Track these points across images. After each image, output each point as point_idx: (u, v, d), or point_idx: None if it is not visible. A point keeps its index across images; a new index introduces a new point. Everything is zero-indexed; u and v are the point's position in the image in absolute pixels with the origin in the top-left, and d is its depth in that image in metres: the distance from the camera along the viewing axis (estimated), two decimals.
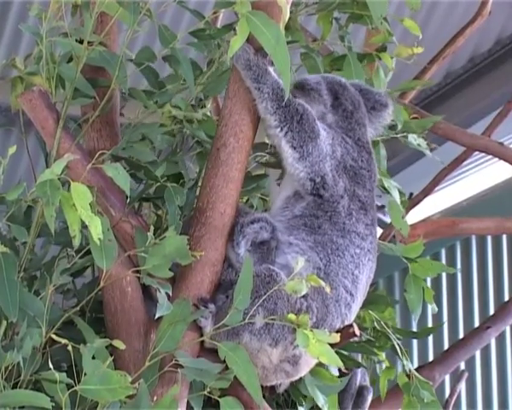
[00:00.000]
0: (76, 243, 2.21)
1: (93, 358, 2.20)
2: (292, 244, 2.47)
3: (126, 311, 2.47)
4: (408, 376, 2.82)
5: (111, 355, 2.43)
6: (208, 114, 2.86)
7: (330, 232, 2.48)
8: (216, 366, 2.32)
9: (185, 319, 2.34)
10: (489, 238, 6.18)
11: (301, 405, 2.72)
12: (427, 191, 3.62)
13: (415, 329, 4.75)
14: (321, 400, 2.60)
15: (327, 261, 2.46)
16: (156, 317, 2.33)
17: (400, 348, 2.83)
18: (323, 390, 2.62)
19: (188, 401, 2.43)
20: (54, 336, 2.25)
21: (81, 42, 2.42)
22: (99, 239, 2.21)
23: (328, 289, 2.34)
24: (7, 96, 2.59)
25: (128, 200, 2.46)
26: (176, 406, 2.27)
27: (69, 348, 2.20)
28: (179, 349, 2.35)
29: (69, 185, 2.23)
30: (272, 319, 2.35)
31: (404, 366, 2.82)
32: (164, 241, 2.34)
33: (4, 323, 2.33)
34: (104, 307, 2.52)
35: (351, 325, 2.47)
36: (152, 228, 2.37)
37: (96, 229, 2.19)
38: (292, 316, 2.30)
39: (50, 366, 2.19)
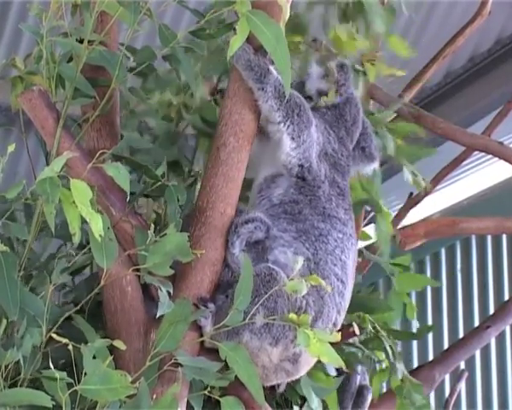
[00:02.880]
0: (76, 240, 2.21)
1: (94, 357, 2.20)
2: (276, 237, 2.47)
3: (126, 310, 2.47)
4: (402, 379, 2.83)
5: (111, 355, 2.44)
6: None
7: (311, 217, 2.50)
8: (215, 364, 2.32)
9: (186, 319, 2.34)
10: (489, 238, 6.18)
11: (297, 404, 2.72)
12: (427, 191, 3.62)
13: (415, 327, 4.75)
14: (315, 402, 2.61)
15: (314, 250, 2.47)
16: (158, 315, 2.33)
17: (393, 351, 2.84)
18: (318, 392, 2.63)
19: (188, 401, 2.44)
20: (54, 336, 2.25)
21: (81, 41, 2.42)
22: (100, 236, 2.21)
23: (329, 289, 2.35)
24: (7, 95, 2.59)
25: (128, 199, 2.46)
26: (176, 404, 2.27)
27: (69, 347, 2.20)
28: (179, 349, 2.35)
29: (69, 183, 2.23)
30: (273, 319, 2.35)
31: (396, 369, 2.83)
32: (164, 238, 2.34)
33: (4, 321, 2.33)
34: (104, 307, 2.52)
35: (351, 325, 2.48)
36: (152, 226, 2.37)
37: (97, 226, 2.19)
38: (293, 316, 2.30)
39: (51, 365, 2.18)
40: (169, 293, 2.35)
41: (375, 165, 2.74)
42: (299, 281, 2.29)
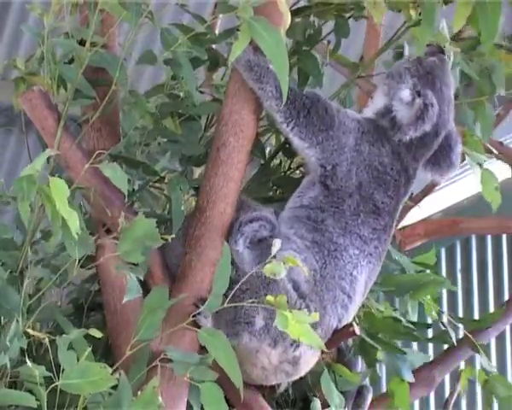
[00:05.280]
0: (57, 239, 2.22)
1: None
2: (290, 240, 2.46)
3: (126, 311, 2.47)
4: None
5: (111, 354, 2.44)
6: None
7: (332, 230, 2.47)
8: (206, 358, 2.32)
9: (163, 306, 2.33)
10: (489, 238, 6.18)
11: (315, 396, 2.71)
12: (427, 191, 3.62)
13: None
14: (336, 399, 2.60)
15: (322, 264, 2.45)
16: (124, 301, 2.32)
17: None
18: (341, 386, 2.64)
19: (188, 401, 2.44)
20: (30, 331, 2.26)
21: (80, 42, 2.42)
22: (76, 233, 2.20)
23: (306, 272, 2.32)
24: (7, 96, 2.59)
25: (126, 198, 2.47)
26: (157, 397, 2.24)
27: (46, 341, 2.20)
28: (178, 349, 2.35)
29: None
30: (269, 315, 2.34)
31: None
32: (133, 225, 2.33)
33: None
34: (104, 307, 2.53)
35: (351, 324, 2.48)
36: (123, 214, 2.36)
37: (74, 224, 2.19)
38: (270, 298, 2.24)
39: (28, 361, 2.19)
40: (140, 281, 2.35)
41: (442, 178, 2.64)
42: (276, 263, 2.26)
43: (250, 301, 2.33)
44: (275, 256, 2.25)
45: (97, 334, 2.23)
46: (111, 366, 2.18)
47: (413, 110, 2.51)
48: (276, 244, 2.26)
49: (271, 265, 2.25)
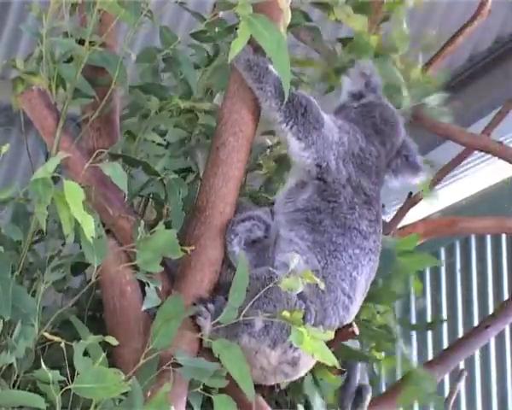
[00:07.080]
0: (69, 240, 2.21)
1: (88, 355, 2.20)
2: (292, 242, 2.47)
3: (125, 310, 2.47)
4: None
5: (111, 354, 2.43)
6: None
7: (331, 230, 2.48)
8: (214, 364, 2.32)
9: (178, 316, 2.33)
10: (489, 238, 6.18)
11: (301, 403, 2.71)
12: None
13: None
14: (317, 403, 2.60)
15: (324, 264, 2.46)
16: (143, 309, 2.34)
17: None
18: (322, 388, 2.63)
19: (188, 401, 2.44)
20: (46, 335, 2.25)
21: (80, 42, 2.42)
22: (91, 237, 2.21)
23: (322, 286, 2.33)
24: (7, 95, 2.59)
25: (126, 198, 2.46)
26: (168, 403, 2.26)
27: (62, 345, 2.19)
28: (178, 348, 2.35)
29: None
30: (270, 318, 2.34)
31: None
32: (153, 235, 2.34)
33: (1, 323, 2.32)
34: (104, 306, 2.53)
35: (350, 325, 2.47)
36: (143, 223, 2.36)
37: (89, 227, 2.19)
38: (286, 313, 2.27)
39: (43, 364, 2.18)
40: (157, 289, 2.35)
41: (422, 176, 2.65)
42: (293, 279, 2.27)
43: (250, 303, 2.33)
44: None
45: (114, 342, 2.23)
46: (111, 365, 2.18)
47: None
48: (295, 259, 2.29)
49: (288, 280, 2.27)
